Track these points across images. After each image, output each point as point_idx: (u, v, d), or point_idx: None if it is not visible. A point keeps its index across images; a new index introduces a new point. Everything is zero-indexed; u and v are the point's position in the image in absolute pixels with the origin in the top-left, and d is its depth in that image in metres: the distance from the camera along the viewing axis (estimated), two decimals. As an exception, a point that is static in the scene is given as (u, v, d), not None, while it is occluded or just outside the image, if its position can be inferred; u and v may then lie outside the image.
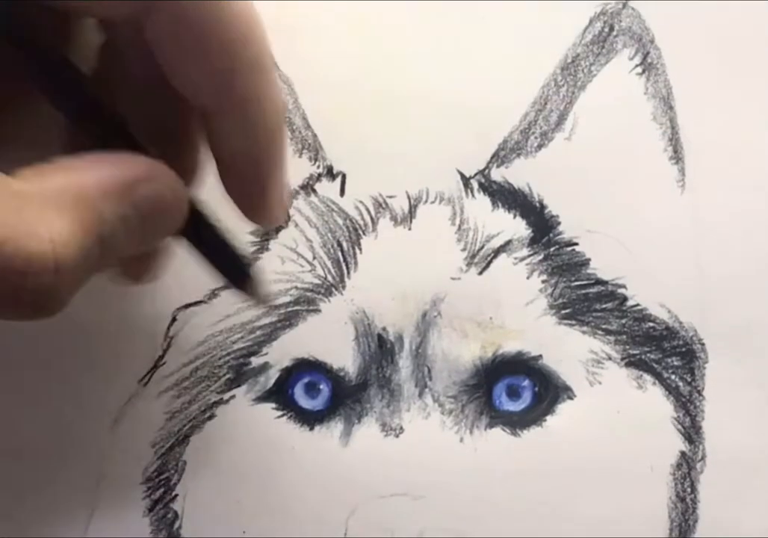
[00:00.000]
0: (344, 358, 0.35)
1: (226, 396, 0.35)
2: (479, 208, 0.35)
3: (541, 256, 0.35)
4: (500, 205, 0.35)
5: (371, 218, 0.35)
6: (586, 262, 0.35)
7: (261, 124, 0.28)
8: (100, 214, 0.25)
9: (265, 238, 0.36)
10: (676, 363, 0.35)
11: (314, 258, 0.35)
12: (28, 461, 0.36)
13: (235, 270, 0.30)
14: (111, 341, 0.36)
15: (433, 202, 0.36)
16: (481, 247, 0.35)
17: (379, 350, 0.35)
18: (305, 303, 0.35)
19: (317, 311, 0.35)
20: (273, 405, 0.35)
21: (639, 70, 0.35)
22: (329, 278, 0.35)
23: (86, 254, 0.25)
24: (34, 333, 0.35)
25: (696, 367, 0.35)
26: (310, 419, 0.35)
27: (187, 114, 0.29)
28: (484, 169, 0.36)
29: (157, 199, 0.27)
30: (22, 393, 0.36)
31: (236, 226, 0.35)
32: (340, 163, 0.36)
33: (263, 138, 0.28)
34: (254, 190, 0.30)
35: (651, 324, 0.35)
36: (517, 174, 0.35)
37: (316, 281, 0.35)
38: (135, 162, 0.27)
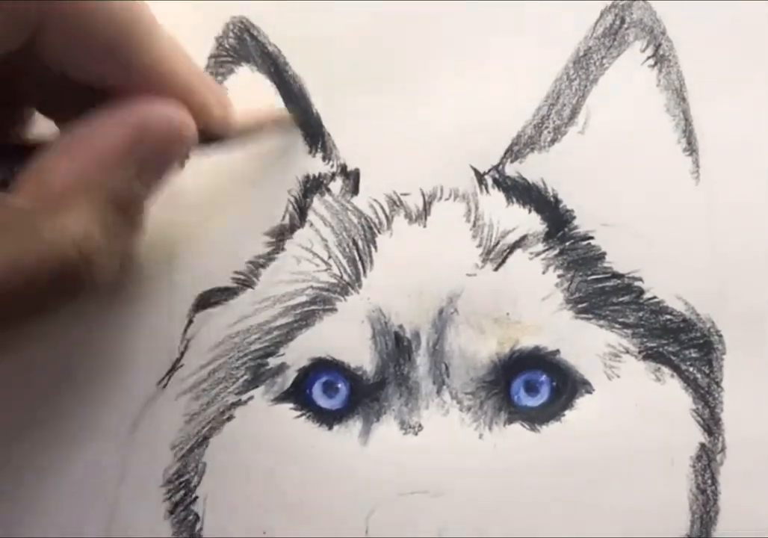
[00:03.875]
0: (361, 356, 0.35)
1: (244, 397, 0.35)
2: (494, 203, 0.35)
3: (556, 251, 0.35)
4: (515, 200, 0.35)
5: (386, 216, 0.35)
6: (601, 256, 0.35)
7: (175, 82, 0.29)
8: (112, 186, 0.25)
9: (281, 238, 0.36)
10: (694, 355, 0.35)
11: (330, 257, 0.35)
12: (48, 464, 0.36)
13: None
14: (129, 345, 0.36)
15: (447, 199, 0.35)
16: (497, 243, 0.35)
17: (396, 347, 0.35)
18: (321, 303, 0.35)
19: (333, 310, 0.35)
20: (291, 405, 0.35)
21: (651, 62, 0.35)
22: (345, 276, 0.35)
23: (110, 229, 0.25)
24: (51, 337, 0.36)
25: (714, 358, 0.35)
26: (328, 418, 0.35)
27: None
28: (497, 165, 0.36)
29: (158, 142, 0.27)
30: (41, 397, 0.36)
31: (251, 228, 0.36)
32: (354, 162, 0.36)
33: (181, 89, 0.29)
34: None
35: (668, 316, 0.35)
36: (531, 169, 0.35)
37: (332, 280, 0.35)
38: (117, 122, 0.27)
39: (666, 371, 0.35)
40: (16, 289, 0.24)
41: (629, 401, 0.35)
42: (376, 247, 0.35)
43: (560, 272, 0.35)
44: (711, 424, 0.35)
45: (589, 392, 0.35)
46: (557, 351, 0.35)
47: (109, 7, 0.27)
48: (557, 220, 0.35)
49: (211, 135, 0.32)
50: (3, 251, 0.24)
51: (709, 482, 0.34)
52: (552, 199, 0.35)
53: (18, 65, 0.28)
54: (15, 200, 0.25)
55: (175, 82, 0.30)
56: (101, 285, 0.26)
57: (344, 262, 0.35)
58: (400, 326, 0.35)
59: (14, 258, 0.24)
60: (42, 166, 0.26)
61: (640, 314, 0.35)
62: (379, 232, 0.35)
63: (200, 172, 0.35)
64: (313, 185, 0.36)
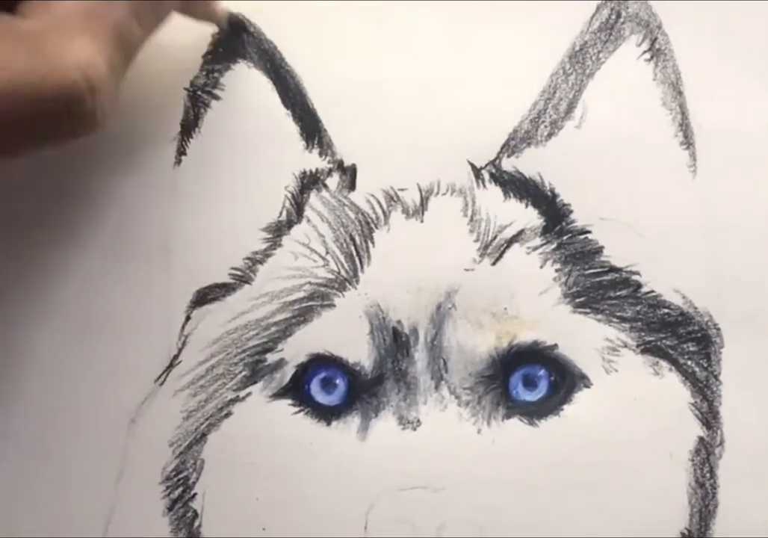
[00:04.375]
0: (360, 352, 0.35)
1: (242, 393, 0.35)
2: (491, 198, 0.35)
3: (554, 245, 0.35)
4: (512, 195, 0.35)
5: (383, 212, 0.35)
6: (599, 250, 0.35)
7: None
8: (115, 20, 0.26)
9: (278, 234, 0.36)
10: (692, 349, 0.35)
11: (327, 253, 0.35)
12: (48, 461, 0.36)
13: None
14: (126, 342, 0.36)
15: (444, 194, 0.35)
16: (494, 238, 0.35)
17: (395, 343, 0.35)
18: (319, 298, 0.35)
19: (331, 305, 0.35)
20: (289, 401, 0.35)
21: (647, 56, 0.35)
22: (342, 272, 0.35)
23: (114, 63, 0.25)
24: (50, 334, 0.36)
25: (712, 352, 0.35)
26: (327, 414, 0.35)
27: None
28: (494, 160, 0.36)
29: None
30: (39, 394, 0.36)
31: (248, 224, 0.36)
32: (351, 158, 0.36)
33: None
34: None
35: (666, 310, 0.35)
36: (528, 163, 0.35)
37: (330, 276, 0.35)
38: None
39: (664, 364, 0.35)
40: (21, 105, 0.25)
41: (627, 395, 0.35)
42: (373, 243, 0.35)
43: (558, 266, 0.35)
44: (709, 417, 0.35)
45: (588, 387, 0.35)
46: (555, 345, 0.35)
47: None
48: (554, 214, 0.35)
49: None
50: (10, 66, 0.24)
51: (708, 475, 0.34)
52: (549, 193, 0.35)
53: None
54: (22, 22, 0.25)
55: None
56: (102, 121, 0.27)
57: (342, 257, 0.35)
58: (398, 322, 0.35)
59: (22, 73, 0.24)
60: None
61: (638, 307, 0.35)
62: (376, 227, 0.35)
63: (196, 169, 0.35)
64: (310, 181, 0.36)
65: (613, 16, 0.35)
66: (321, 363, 0.35)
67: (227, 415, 0.35)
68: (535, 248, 0.35)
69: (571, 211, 0.35)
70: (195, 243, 0.36)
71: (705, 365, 0.35)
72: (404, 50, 0.36)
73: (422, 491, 0.34)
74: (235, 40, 0.36)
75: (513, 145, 0.35)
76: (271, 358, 0.35)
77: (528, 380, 0.35)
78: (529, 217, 0.35)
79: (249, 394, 0.35)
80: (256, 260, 0.36)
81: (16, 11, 0.26)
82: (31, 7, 0.26)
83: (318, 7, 0.36)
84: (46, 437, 0.36)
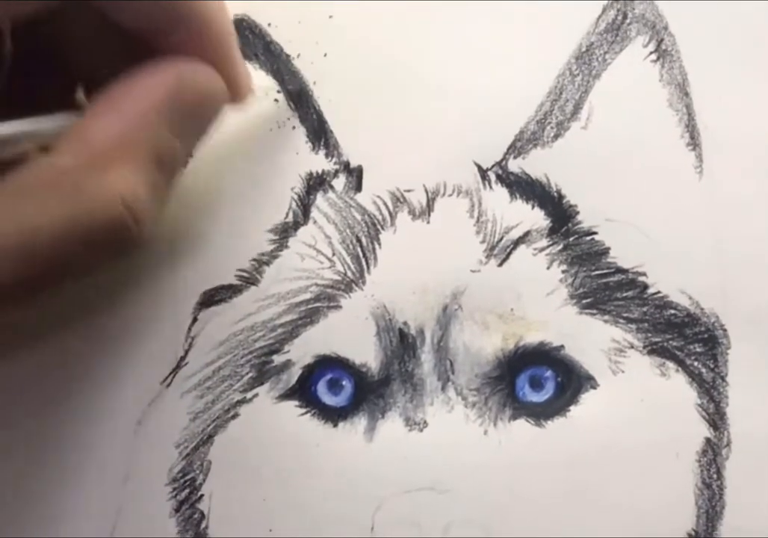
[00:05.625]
0: (366, 353, 0.35)
1: (249, 395, 0.35)
2: (497, 199, 0.35)
3: (560, 247, 0.35)
4: (518, 196, 0.35)
5: (389, 213, 0.35)
6: (605, 251, 0.35)
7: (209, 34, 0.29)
8: (152, 143, 0.26)
9: (284, 235, 0.36)
10: (698, 350, 0.35)
11: (333, 254, 0.35)
12: (54, 462, 0.36)
13: None
14: (133, 343, 0.36)
15: (450, 195, 0.35)
16: (500, 239, 0.35)
17: (401, 344, 0.35)
18: (326, 300, 0.35)
19: (338, 307, 0.35)
20: (296, 403, 0.35)
21: (653, 57, 0.35)
22: (349, 273, 0.35)
23: (157, 185, 0.25)
24: (56, 337, 0.36)
25: (719, 353, 0.35)
26: (333, 415, 0.35)
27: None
28: (501, 161, 0.36)
29: (197, 96, 0.27)
30: (45, 396, 0.36)
31: (255, 225, 0.36)
32: (357, 159, 0.36)
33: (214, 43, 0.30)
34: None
35: (672, 311, 0.35)
36: (534, 164, 0.35)
37: (336, 277, 0.35)
38: (156, 78, 0.27)
39: (671, 365, 0.35)
40: (73, 247, 0.25)
41: (634, 396, 0.35)
42: (379, 244, 0.35)
43: (564, 267, 0.35)
44: (716, 418, 0.35)
45: (594, 388, 0.35)
46: (562, 347, 0.35)
47: None
48: (561, 215, 0.35)
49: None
50: (55, 212, 0.24)
51: (715, 476, 0.34)
52: (555, 194, 0.35)
53: (72, 12, 0.29)
54: (59, 159, 0.25)
55: (216, 43, 0.30)
56: (145, 240, 0.27)
57: (348, 259, 0.35)
58: (405, 323, 0.35)
59: (69, 216, 0.24)
60: (83, 125, 0.26)
61: (645, 308, 0.35)
62: (382, 228, 0.35)
63: (203, 170, 0.35)
64: (317, 182, 0.36)
65: (620, 17, 0.35)
66: (327, 364, 0.35)
67: (234, 416, 0.35)
68: (542, 249, 0.35)
69: (578, 213, 0.35)
70: (201, 245, 0.36)
71: (712, 366, 0.35)
72: (410, 51, 0.36)
73: (429, 493, 0.34)
74: (241, 42, 0.36)
75: (519, 146, 0.35)
76: (277, 359, 0.35)
77: (534, 381, 0.35)
78: (535, 218, 0.35)
79: (256, 395, 0.35)
80: (262, 262, 0.36)
81: (50, 149, 0.26)
82: (66, 141, 0.26)
83: (324, 7, 0.36)
84: (52, 439, 0.36)
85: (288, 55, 0.36)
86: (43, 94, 0.31)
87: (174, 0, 0.29)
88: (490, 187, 0.35)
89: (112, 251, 0.26)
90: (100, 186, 0.25)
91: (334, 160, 0.36)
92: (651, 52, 0.35)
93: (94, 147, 0.25)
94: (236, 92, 0.32)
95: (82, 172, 0.25)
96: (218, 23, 0.30)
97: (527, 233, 0.35)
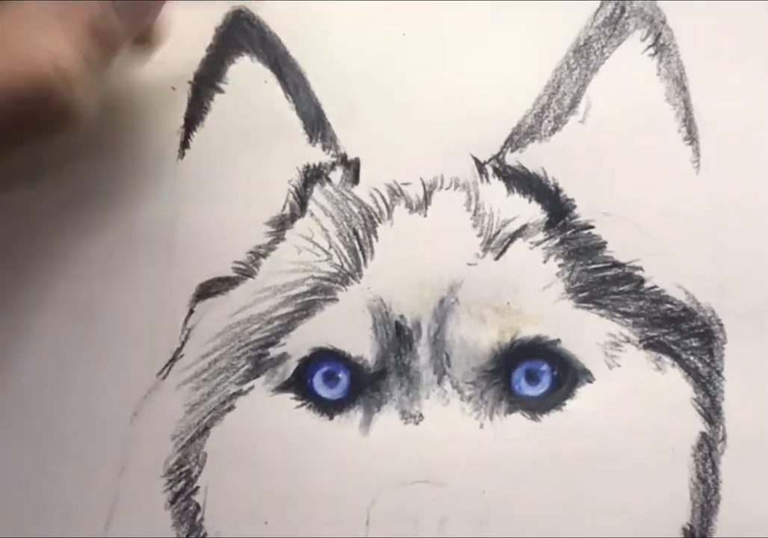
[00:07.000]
0: (362, 346, 0.35)
1: (245, 387, 0.35)
2: (494, 193, 0.35)
3: (557, 240, 0.35)
4: (515, 189, 0.35)
5: (386, 206, 0.35)
6: (602, 245, 0.35)
7: None
8: (89, 15, 0.26)
9: (281, 228, 0.36)
10: (694, 344, 0.35)
11: (330, 247, 0.35)
12: (49, 454, 0.36)
13: None
14: (129, 335, 0.36)
15: (448, 189, 0.35)
16: (497, 233, 0.35)
17: (397, 337, 0.35)
18: (322, 292, 0.35)
19: (334, 300, 0.35)
20: (292, 395, 0.35)
21: (651, 51, 0.35)
22: (346, 266, 0.35)
23: (91, 57, 0.25)
24: (51, 328, 0.36)
25: (714, 347, 0.35)
26: (329, 408, 0.35)
27: None
28: (498, 154, 0.36)
29: None
30: (41, 387, 0.36)
31: (252, 218, 0.36)
32: (354, 151, 0.36)
33: None
34: None
35: (669, 306, 0.35)
36: (531, 158, 0.35)
37: (333, 270, 0.35)
38: None
39: (667, 360, 0.35)
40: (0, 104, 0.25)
41: (630, 391, 0.35)
42: (376, 237, 0.35)
43: (561, 261, 0.35)
44: (712, 413, 0.35)
45: (590, 382, 0.35)
46: (558, 340, 0.35)
47: None
48: (558, 209, 0.35)
49: None
50: None
51: (710, 470, 0.34)
52: (552, 188, 0.35)
53: None
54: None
55: None
56: (82, 116, 0.27)
57: (345, 252, 0.35)
58: (401, 316, 0.35)
59: None
60: None
61: (641, 303, 0.35)
62: (379, 221, 0.35)
63: (200, 162, 0.35)
64: (314, 175, 0.36)
65: (618, 11, 0.35)
66: (324, 357, 0.35)
67: (230, 409, 0.35)
68: (539, 243, 0.35)
69: (575, 206, 0.35)
70: (198, 237, 0.36)
71: (708, 360, 0.35)
72: (408, 44, 0.36)
73: (424, 486, 0.34)
74: (239, 33, 0.36)
75: (517, 139, 0.35)
76: (273, 352, 0.35)
77: (531, 374, 0.35)
78: (532, 212, 0.35)
79: (252, 388, 0.35)
80: (259, 254, 0.36)
81: None
82: (3, 7, 0.26)
83: (323, 1, 0.36)
84: (48, 431, 0.36)
85: (286, 48, 0.36)
86: None
87: None
88: (487, 181, 0.35)
89: (44, 117, 0.26)
90: (30, 46, 0.25)
91: (331, 152, 0.36)
92: (649, 46, 0.35)
93: (30, 13, 0.26)
94: None
95: (15, 33, 0.25)
96: None
97: (524, 227, 0.35)
